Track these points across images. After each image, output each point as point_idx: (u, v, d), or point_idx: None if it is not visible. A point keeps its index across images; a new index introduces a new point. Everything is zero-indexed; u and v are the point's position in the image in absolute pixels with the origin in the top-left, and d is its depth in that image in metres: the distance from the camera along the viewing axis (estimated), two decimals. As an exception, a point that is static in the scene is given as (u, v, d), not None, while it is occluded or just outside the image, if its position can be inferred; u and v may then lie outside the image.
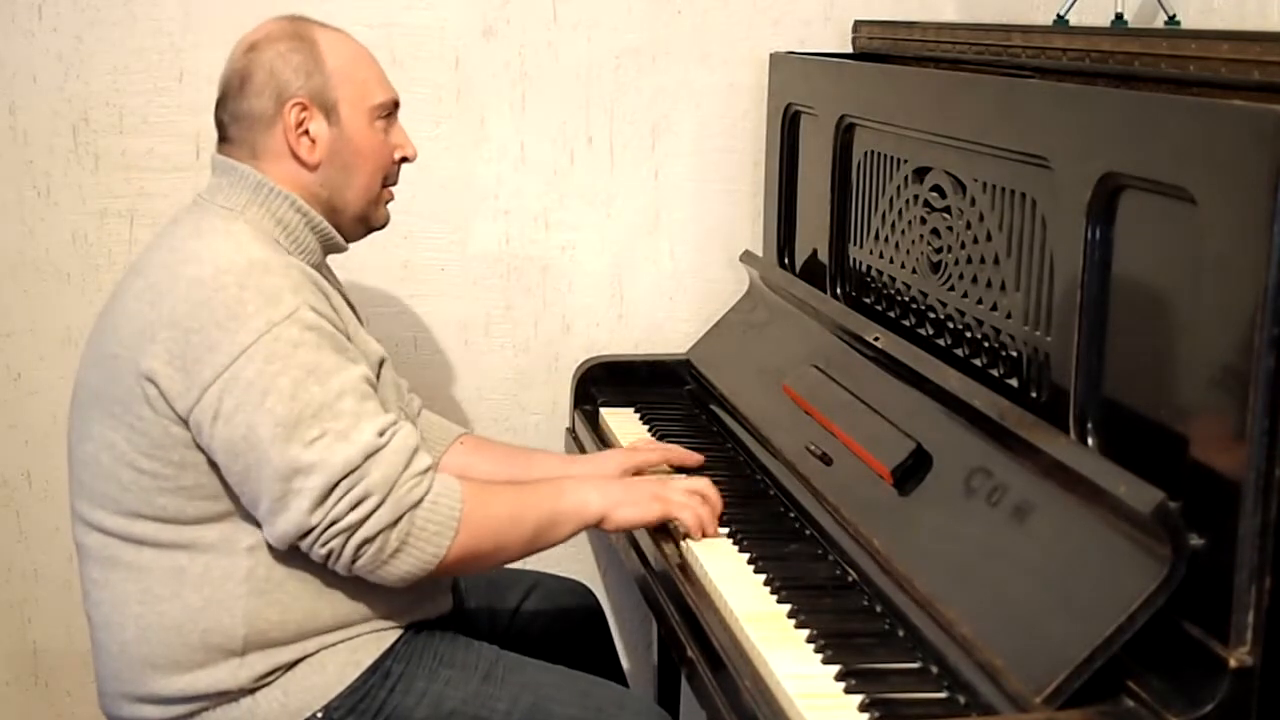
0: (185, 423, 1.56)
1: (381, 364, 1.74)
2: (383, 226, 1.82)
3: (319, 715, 1.63)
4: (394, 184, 1.81)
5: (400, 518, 1.55)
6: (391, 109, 1.78)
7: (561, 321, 2.51)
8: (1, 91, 2.30)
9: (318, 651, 1.64)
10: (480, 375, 2.50)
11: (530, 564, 1.91)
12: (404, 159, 1.79)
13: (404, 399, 1.87)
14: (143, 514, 1.61)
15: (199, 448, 1.58)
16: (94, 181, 2.35)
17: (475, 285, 2.47)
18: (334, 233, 1.73)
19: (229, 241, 1.61)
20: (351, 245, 1.80)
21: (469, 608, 1.95)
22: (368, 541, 1.54)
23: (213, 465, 1.58)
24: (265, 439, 1.52)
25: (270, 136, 1.69)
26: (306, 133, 1.69)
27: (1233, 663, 1.21)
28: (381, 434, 1.56)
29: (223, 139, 1.73)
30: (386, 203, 1.80)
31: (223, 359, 1.54)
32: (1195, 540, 1.25)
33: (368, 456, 1.54)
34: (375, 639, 1.67)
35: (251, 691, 1.63)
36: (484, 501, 1.63)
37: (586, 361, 2.44)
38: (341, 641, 1.65)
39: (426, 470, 1.59)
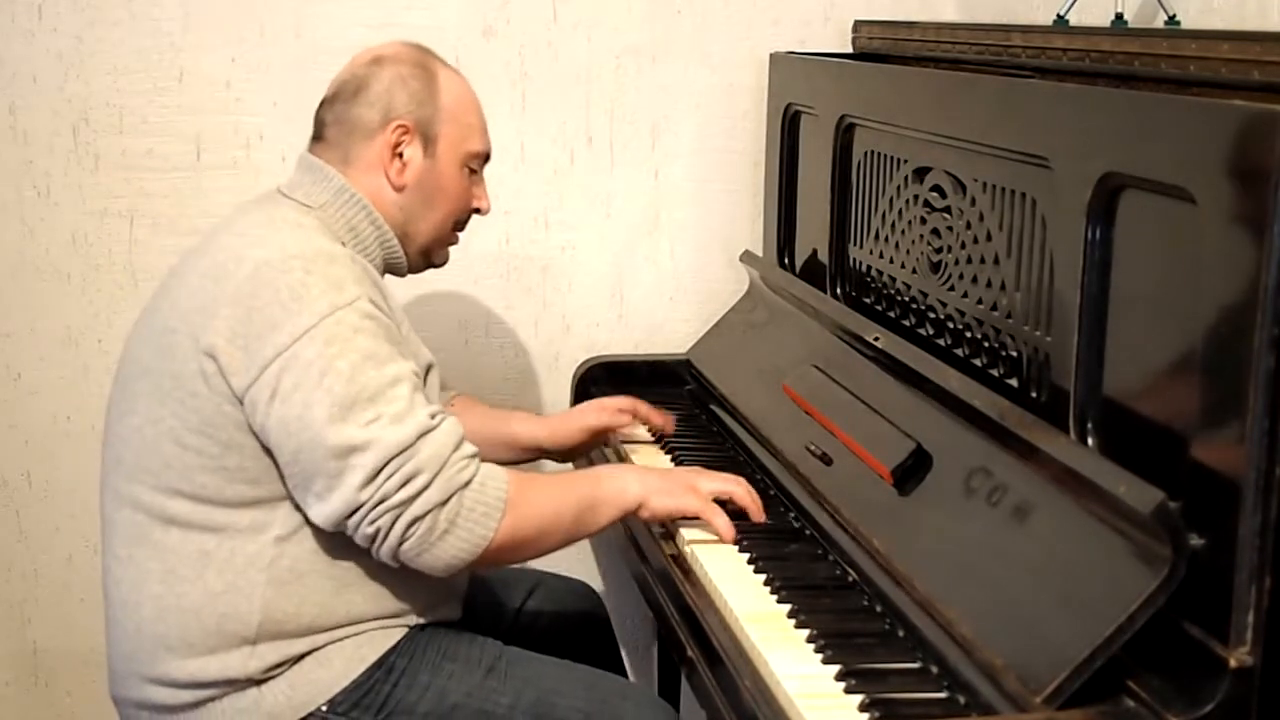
0: (240, 401, 1.58)
1: (429, 369, 1.76)
2: (441, 265, 1.88)
3: (323, 709, 1.63)
4: (462, 230, 1.87)
5: (449, 498, 1.56)
6: (484, 161, 1.85)
7: (561, 321, 2.51)
8: (1, 91, 2.30)
9: (325, 646, 1.65)
10: (480, 375, 2.50)
11: (532, 563, 1.90)
12: (477, 210, 1.86)
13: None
14: (181, 491, 1.62)
15: (250, 430, 1.59)
16: (94, 181, 2.35)
17: (475, 285, 2.48)
18: (401, 253, 1.79)
19: (298, 232, 1.66)
20: None
21: (471, 607, 1.95)
22: (417, 520, 1.54)
23: (260, 450, 1.59)
24: (320, 419, 1.54)
25: (367, 148, 1.75)
26: (400, 155, 1.75)
27: (1233, 663, 1.21)
28: (433, 416, 1.59)
29: (318, 138, 1.79)
30: (450, 245, 1.87)
31: (284, 338, 1.56)
32: (1195, 540, 1.25)
33: (421, 435, 1.56)
34: (382, 635, 1.68)
35: (259, 683, 1.63)
36: (527, 486, 1.64)
37: (586, 361, 2.44)
38: (349, 637, 1.66)
39: (474, 455, 1.61)
